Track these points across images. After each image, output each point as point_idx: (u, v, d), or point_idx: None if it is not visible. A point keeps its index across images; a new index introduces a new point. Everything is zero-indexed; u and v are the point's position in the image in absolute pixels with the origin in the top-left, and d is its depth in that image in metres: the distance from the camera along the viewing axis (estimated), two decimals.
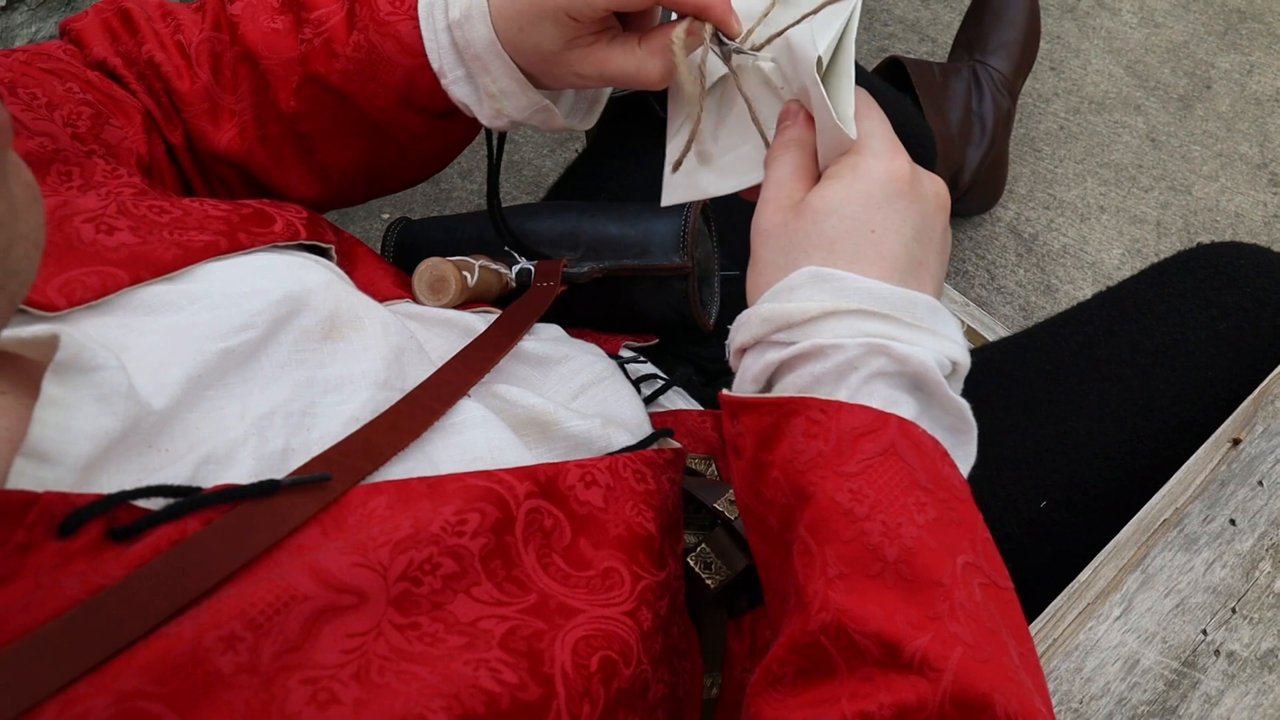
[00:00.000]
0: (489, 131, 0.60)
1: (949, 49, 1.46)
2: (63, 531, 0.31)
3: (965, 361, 0.42)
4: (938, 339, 0.41)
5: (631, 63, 0.51)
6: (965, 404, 0.41)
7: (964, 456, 0.42)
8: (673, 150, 0.53)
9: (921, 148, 0.97)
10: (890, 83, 1.19)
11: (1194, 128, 1.56)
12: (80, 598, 0.30)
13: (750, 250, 0.46)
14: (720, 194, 0.52)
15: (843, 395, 0.40)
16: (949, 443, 0.41)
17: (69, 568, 0.31)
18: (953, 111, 1.31)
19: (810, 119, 0.46)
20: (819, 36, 0.45)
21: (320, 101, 0.55)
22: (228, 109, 0.57)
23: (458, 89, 0.53)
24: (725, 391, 0.44)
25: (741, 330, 0.44)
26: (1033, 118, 1.58)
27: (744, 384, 0.45)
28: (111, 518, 0.33)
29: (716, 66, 0.50)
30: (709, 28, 0.48)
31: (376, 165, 0.60)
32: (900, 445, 0.38)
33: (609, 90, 0.59)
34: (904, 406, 0.40)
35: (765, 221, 0.45)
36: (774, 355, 0.42)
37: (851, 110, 0.45)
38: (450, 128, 0.58)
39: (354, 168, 0.59)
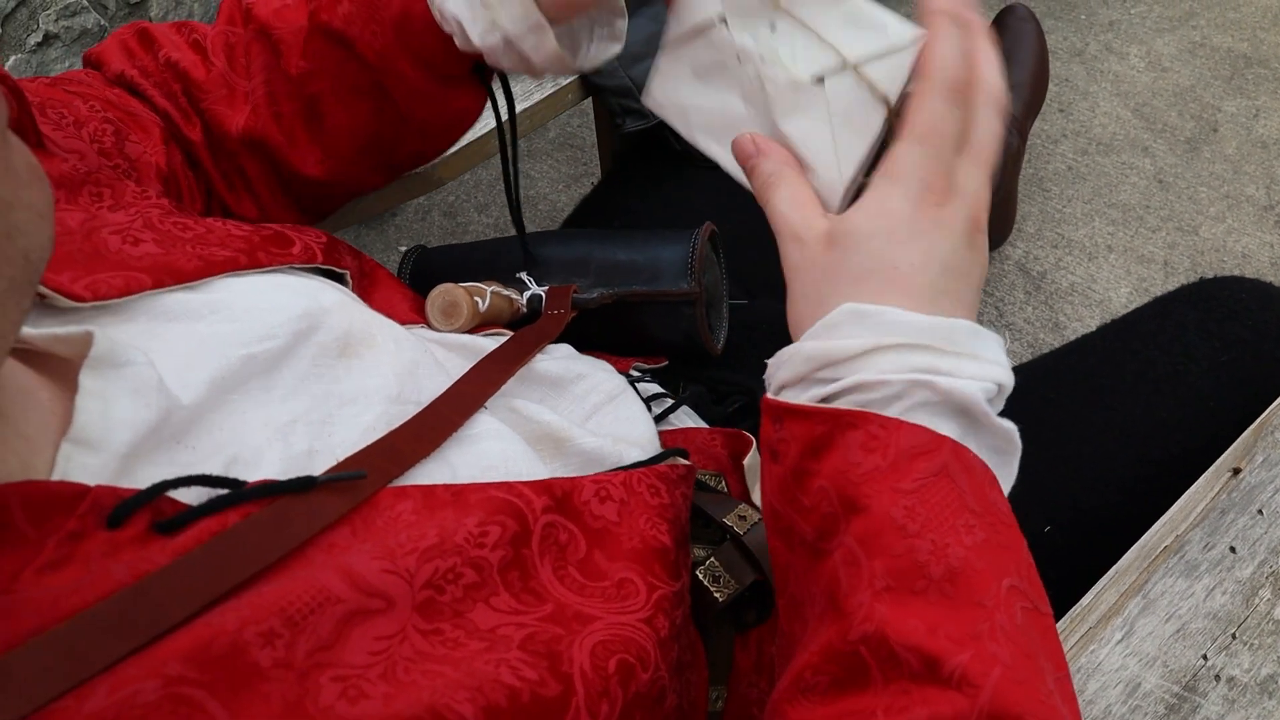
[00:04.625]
0: (504, 81, 0.62)
1: None
2: (111, 523, 0.33)
3: (1009, 381, 0.41)
4: (980, 363, 0.41)
5: None
6: (1011, 426, 0.41)
7: (1006, 477, 0.42)
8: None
9: None
10: None
11: (1201, 169, 1.57)
12: (127, 582, 0.32)
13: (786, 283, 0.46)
14: (691, 138, 0.50)
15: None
16: (993, 464, 0.41)
17: (117, 556, 0.33)
18: None
19: (787, 154, 0.46)
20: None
21: (326, 56, 0.59)
22: (242, 91, 0.61)
23: (451, 4, 0.55)
24: (769, 396, 0.44)
25: (784, 368, 0.43)
26: (1042, 158, 1.60)
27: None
28: (157, 510, 0.34)
29: None
30: None
31: (380, 131, 0.62)
32: (953, 467, 0.39)
33: (623, 25, 0.58)
34: (948, 431, 0.40)
35: (789, 257, 0.45)
36: (818, 391, 0.42)
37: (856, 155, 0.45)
38: (448, 95, 0.61)
39: (360, 132, 0.62)
